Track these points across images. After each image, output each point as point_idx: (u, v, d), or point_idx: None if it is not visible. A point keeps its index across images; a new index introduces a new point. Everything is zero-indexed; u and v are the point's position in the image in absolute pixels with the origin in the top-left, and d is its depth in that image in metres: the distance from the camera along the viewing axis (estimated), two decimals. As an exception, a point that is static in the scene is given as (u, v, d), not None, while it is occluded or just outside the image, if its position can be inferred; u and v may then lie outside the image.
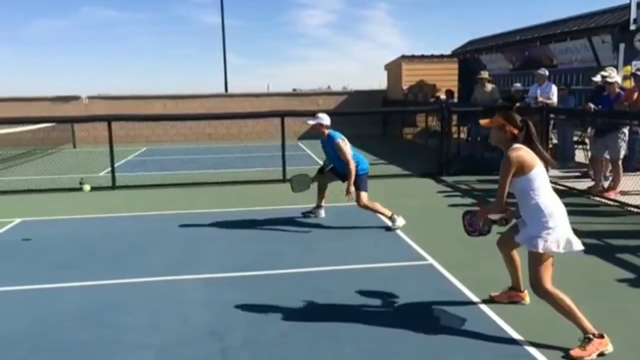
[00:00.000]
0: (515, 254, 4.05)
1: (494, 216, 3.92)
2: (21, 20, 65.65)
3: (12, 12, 61.22)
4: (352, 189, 6.46)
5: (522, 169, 3.51)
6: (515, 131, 3.62)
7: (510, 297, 4.20)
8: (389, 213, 6.67)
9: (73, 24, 74.75)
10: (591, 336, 3.41)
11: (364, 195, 6.64)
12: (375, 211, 6.75)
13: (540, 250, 3.44)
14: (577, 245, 3.49)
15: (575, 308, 3.45)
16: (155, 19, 75.61)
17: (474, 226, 3.96)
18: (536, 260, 3.50)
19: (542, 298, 3.54)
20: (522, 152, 3.54)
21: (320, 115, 6.81)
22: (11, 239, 6.54)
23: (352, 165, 6.49)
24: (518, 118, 3.66)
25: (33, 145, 16.44)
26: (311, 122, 6.80)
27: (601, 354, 3.39)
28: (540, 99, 10.05)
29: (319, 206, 7.31)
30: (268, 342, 3.72)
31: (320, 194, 7.30)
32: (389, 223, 6.65)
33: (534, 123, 3.79)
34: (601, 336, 3.43)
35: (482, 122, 3.84)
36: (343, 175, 6.73)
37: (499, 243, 4.08)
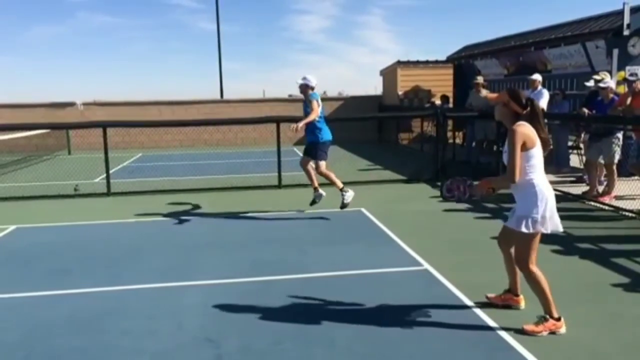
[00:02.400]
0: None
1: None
2: (16, 27, 65.51)
3: (7, 19, 61.07)
4: (300, 126, 7.14)
5: (525, 145, 3.63)
6: (520, 109, 3.73)
7: (504, 300, 4.21)
8: (340, 185, 7.36)
9: (68, 30, 74.60)
10: (548, 316, 3.72)
11: (322, 164, 7.32)
12: (331, 180, 7.39)
13: (530, 230, 3.63)
14: (560, 226, 3.73)
15: (547, 290, 3.72)
16: (151, 25, 75.53)
17: (452, 192, 4.01)
18: (524, 240, 3.70)
19: (524, 275, 3.79)
20: (525, 128, 3.65)
21: (308, 76, 7.39)
22: (6, 245, 6.52)
23: (312, 117, 7.16)
24: (524, 97, 3.77)
25: (28, 152, 16.41)
26: (300, 81, 7.37)
27: (552, 333, 3.70)
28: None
29: (315, 188, 7.64)
30: (263, 349, 3.71)
31: (308, 176, 7.66)
32: (341, 193, 7.32)
33: None
34: (558, 319, 3.72)
35: (490, 95, 4.05)
36: (310, 146, 7.38)
37: (500, 241, 4.12)
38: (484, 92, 12.01)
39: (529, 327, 3.73)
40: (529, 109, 3.74)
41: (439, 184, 9.90)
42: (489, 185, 3.93)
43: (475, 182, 4.00)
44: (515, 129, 3.65)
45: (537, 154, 3.69)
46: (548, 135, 3.86)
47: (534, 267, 3.73)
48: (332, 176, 7.40)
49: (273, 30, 73.78)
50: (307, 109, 7.37)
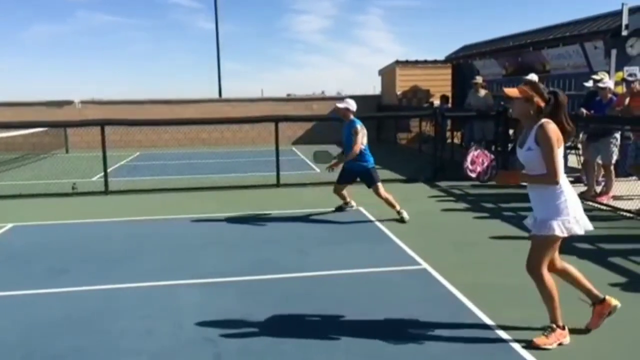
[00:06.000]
0: (567, 265, 3.76)
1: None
2: (15, 26, 65.42)
3: (6, 18, 60.91)
4: (337, 165, 7.16)
5: (557, 142, 3.39)
6: (543, 103, 3.45)
7: (600, 314, 3.76)
8: (397, 207, 7.11)
9: (68, 29, 74.49)
10: (554, 326, 3.55)
11: (380, 187, 7.11)
12: (390, 203, 7.12)
13: (564, 234, 3.41)
14: (590, 224, 3.54)
15: (555, 296, 3.54)
16: (150, 25, 75.39)
17: (475, 164, 3.59)
18: (544, 244, 3.48)
19: (534, 279, 3.57)
20: (554, 126, 3.39)
21: (349, 100, 7.25)
22: (3, 244, 6.50)
23: (356, 151, 6.93)
24: (545, 90, 3.50)
25: (25, 150, 16.36)
26: (340, 105, 7.19)
27: (560, 344, 3.53)
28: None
29: (345, 203, 7.57)
30: (261, 348, 3.70)
31: (341, 196, 7.53)
32: (398, 214, 7.08)
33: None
34: (563, 327, 3.57)
35: (508, 90, 3.56)
36: (358, 173, 7.16)
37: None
38: (483, 92, 12.04)
39: (540, 340, 3.52)
40: (552, 102, 3.44)
41: (437, 183, 9.98)
42: (518, 180, 3.58)
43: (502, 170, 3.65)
44: (546, 125, 3.38)
45: (561, 154, 3.43)
46: (573, 128, 3.53)
47: (546, 272, 3.53)
48: (391, 198, 7.15)
49: (272, 30, 73.80)
50: (347, 133, 7.10)
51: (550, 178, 3.38)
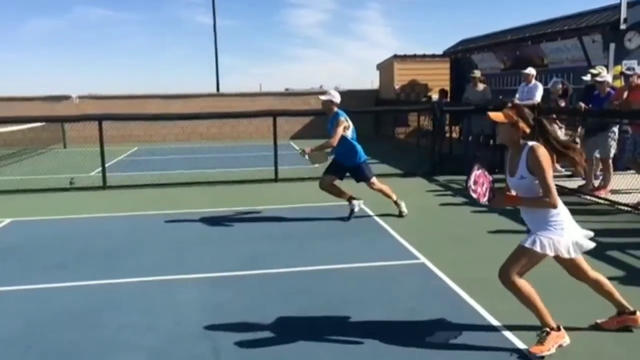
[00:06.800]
0: (598, 275, 3.62)
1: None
2: (12, 21, 65.17)
3: (3, 13, 60.68)
4: (309, 150, 6.80)
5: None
6: (528, 129, 3.36)
7: (620, 322, 3.68)
8: (394, 197, 7.06)
9: (65, 24, 74.25)
10: (548, 329, 3.40)
11: (375, 180, 6.98)
12: (387, 194, 7.06)
13: (538, 250, 3.27)
14: (588, 243, 3.40)
15: (537, 301, 3.40)
16: (148, 19, 75.12)
17: (478, 192, 3.42)
18: (524, 253, 3.32)
19: (508, 289, 3.43)
20: (543, 150, 3.29)
21: (332, 92, 6.92)
22: (1, 239, 6.49)
23: (333, 142, 6.64)
24: (530, 115, 3.40)
25: (23, 145, 16.32)
26: (323, 97, 6.88)
27: (560, 346, 3.39)
28: (516, 102, 10.06)
29: (348, 200, 7.06)
30: (260, 342, 3.71)
31: (337, 192, 7.05)
32: (396, 205, 7.07)
33: None
34: (558, 328, 3.42)
35: (493, 115, 3.47)
36: (348, 169, 6.93)
37: (573, 275, 3.60)
38: (481, 86, 12.02)
39: (536, 348, 3.36)
40: (535, 129, 3.35)
41: (435, 177, 9.97)
42: (517, 204, 3.47)
43: (504, 192, 3.55)
44: (536, 149, 3.26)
45: (552, 176, 3.33)
46: (573, 154, 3.40)
47: (517, 279, 3.36)
48: (388, 189, 7.05)
49: (270, 24, 73.58)
50: (330, 126, 6.79)
51: (549, 202, 3.28)
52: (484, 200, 3.46)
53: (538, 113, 9.41)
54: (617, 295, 3.65)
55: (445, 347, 3.59)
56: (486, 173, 3.48)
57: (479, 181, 3.44)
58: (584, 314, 3.83)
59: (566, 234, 3.33)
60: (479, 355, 3.48)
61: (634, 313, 3.66)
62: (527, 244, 3.32)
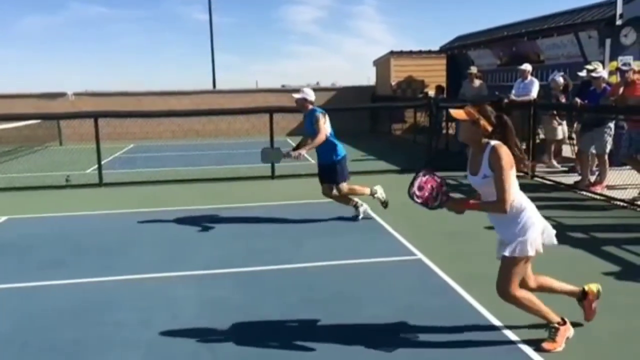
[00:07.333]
0: (540, 279, 3.63)
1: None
2: (8, 17, 64.95)
3: (-1, 9, 60.48)
4: (302, 153, 6.44)
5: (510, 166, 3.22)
6: (490, 128, 3.29)
7: (589, 305, 3.67)
8: (367, 191, 6.83)
9: (61, 20, 74.03)
10: (557, 325, 3.44)
11: (344, 186, 6.67)
12: (358, 194, 6.80)
13: (522, 255, 3.26)
14: (554, 238, 3.42)
15: (539, 304, 3.42)
16: (144, 16, 75.26)
17: (422, 190, 3.36)
18: (512, 264, 3.30)
19: (508, 302, 3.41)
20: (506, 149, 3.23)
21: (306, 90, 6.71)
22: (-3, 237, 6.48)
23: (321, 138, 6.41)
24: (493, 114, 3.32)
25: (19, 143, 16.26)
26: (296, 95, 6.69)
27: (567, 339, 3.45)
28: (512, 97, 10.08)
29: (355, 205, 6.88)
30: (256, 338, 3.71)
31: (341, 201, 6.91)
32: (374, 197, 6.91)
33: (514, 119, 3.57)
34: (564, 322, 3.46)
35: (454, 112, 3.35)
36: (325, 169, 6.69)
37: (521, 285, 3.52)
38: (477, 83, 12.03)
39: (549, 345, 3.39)
40: (498, 127, 3.29)
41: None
42: (472, 208, 3.42)
43: (456, 196, 3.54)
44: (498, 148, 3.19)
45: (514, 174, 3.27)
46: (524, 155, 3.37)
47: (518, 292, 3.35)
48: (357, 189, 6.75)
49: (266, 21, 73.50)
50: (308, 124, 6.61)
51: (499, 206, 3.22)
52: (434, 203, 3.40)
53: (535, 109, 9.47)
54: (563, 285, 3.65)
55: (442, 343, 3.60)
56: (436, 177, 3.40)
57: (426, 187, 3.37)
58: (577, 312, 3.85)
59: (537, 227, 3.32)
60: (477, 350, 3.50)
61: (585, 292, 3.65)
62: (508, 253, 3.30)
